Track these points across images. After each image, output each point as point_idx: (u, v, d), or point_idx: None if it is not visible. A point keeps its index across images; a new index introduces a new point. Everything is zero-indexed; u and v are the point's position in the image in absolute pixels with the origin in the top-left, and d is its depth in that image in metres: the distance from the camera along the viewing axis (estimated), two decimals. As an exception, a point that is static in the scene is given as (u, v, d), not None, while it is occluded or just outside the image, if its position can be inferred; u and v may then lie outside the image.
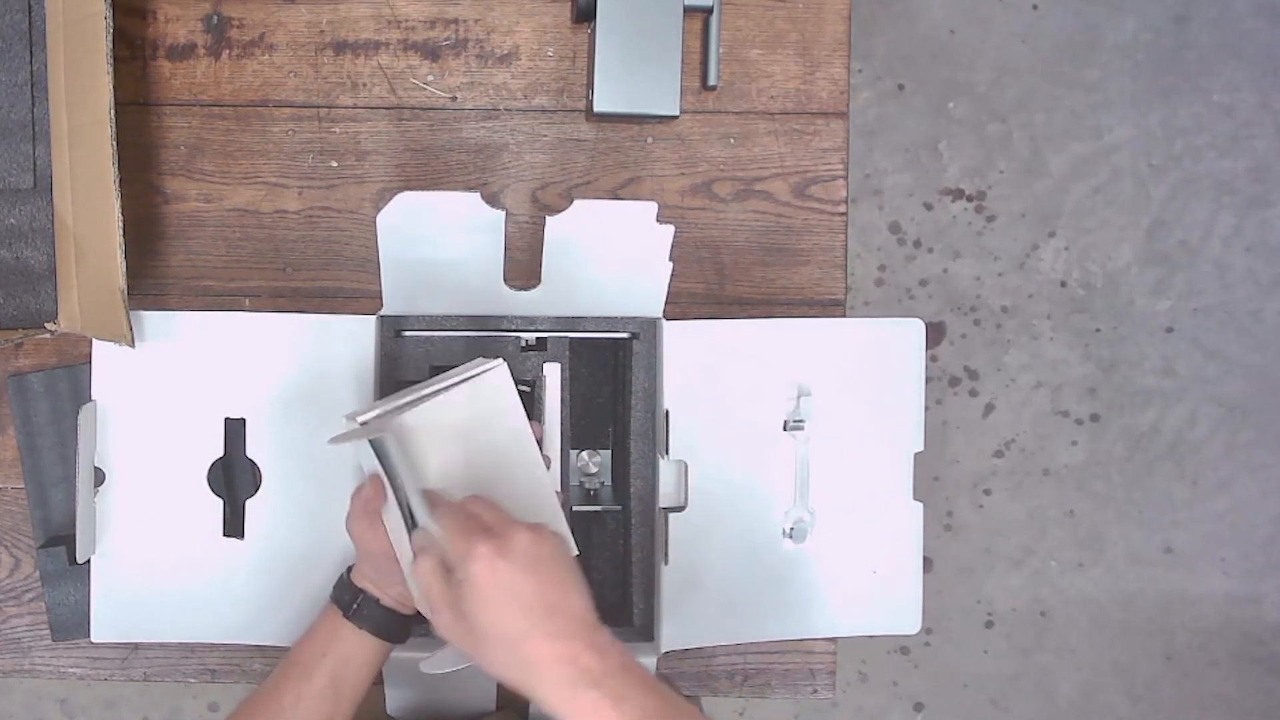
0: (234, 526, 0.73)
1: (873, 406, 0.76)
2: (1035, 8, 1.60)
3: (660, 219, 0.68)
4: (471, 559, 0.50)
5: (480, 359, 0.63)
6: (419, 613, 0.62)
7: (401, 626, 0.63)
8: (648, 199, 0.78)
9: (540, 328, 0.72)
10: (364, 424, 0.60)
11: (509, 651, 0.49)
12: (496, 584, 0.50)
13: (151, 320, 0.72)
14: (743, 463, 0.74)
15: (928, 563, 1.59)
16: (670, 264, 0.70)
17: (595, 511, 0.78)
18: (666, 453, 0.73)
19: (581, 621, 0.50)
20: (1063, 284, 1.61)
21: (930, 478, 1.60)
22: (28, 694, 1.54)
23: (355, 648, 0.62)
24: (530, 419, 0.66)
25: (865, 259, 1.60)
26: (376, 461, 0.59)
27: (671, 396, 0.73)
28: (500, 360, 0.61)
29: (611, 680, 0.48)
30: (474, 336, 0.74)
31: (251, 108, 0.78)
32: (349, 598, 0.63)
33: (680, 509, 0.73)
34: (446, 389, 0.60)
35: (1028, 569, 1.61)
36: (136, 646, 0.78)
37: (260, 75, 0.78)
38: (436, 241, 0.68)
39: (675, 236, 0.69)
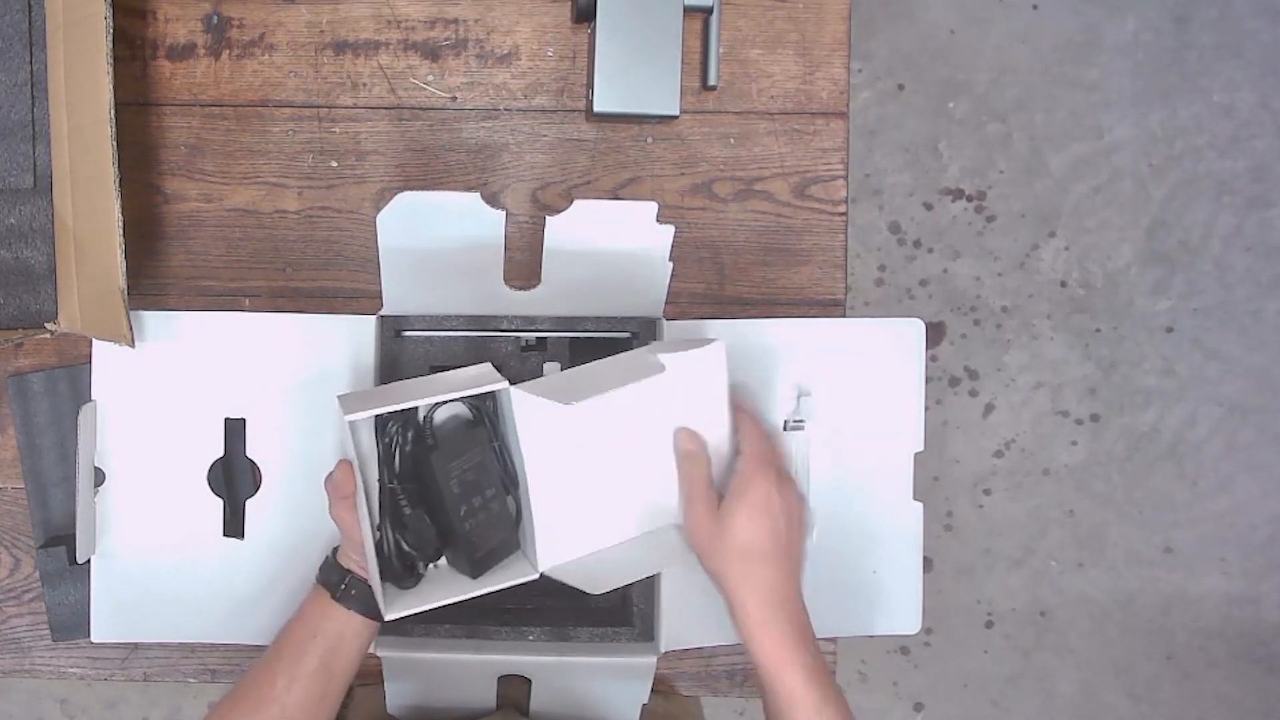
0: (234, 526, 0.73)
1: (873, 406, 0.76)
2: (1035, 8, 1.60)
3: (660, 219, 0.69)
4: (761, 477, 0.60)
5: (488, 367, 0.62)
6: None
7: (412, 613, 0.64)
8: (648, 199, 0.78)
9: (540, 328, 0.72)
10: (348, 411, 0.59)
11: (743, 563, 0.59)
12: (768, 506, 0.59)
13: (151, 320, 0.72)
14: (743, 463, 0.74)
15: (928, 563, 1.59)
16: (670, 264, 0.70)
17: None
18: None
19: (798, 578, 0.61)
20: (1063, 284, 1.61)
21: (930, 478, 1.60)
22: (28, 694, 1.54)
23: (345, 628, 0.63)
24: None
25: (865, 259, 1.60)
26: (351, 446, 0.59)
27: (671, 396, 0.73)
28: (506, 384, 0.60)
29: (805, 631, 0.59)
30: (474, 336, 0.74)
31: (251, 108, 0.78)
32: (336, 578, 0.64)
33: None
34: (437, 398, 0.60)
35: (1028, 569, 1.61)
36: (136, 646, 0.77)
37: (260, 75, 0.78)
38: (436, 241, 0.68)
39: (675, 236, 0.69)
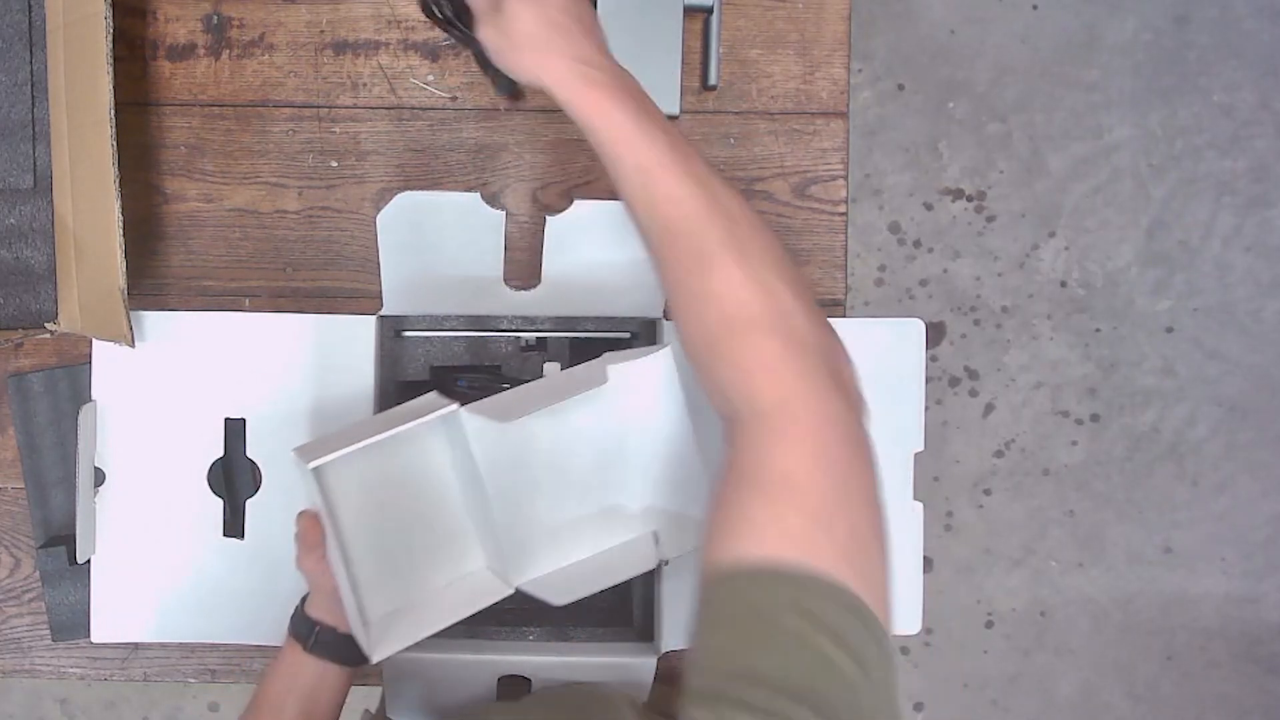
0: (234, 526, 0.73)
1: (873, 406, 0.75)
2: (1035, 8, 1.60)
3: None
4: None
5: (434, 395, 0.62)
6: None
7: (361, 650, 0.64)
8: (648, 199, 0.78)
9: (540, 328, 0.72)
10: (306, 460, 0.58)
11: (534, 56, 0.57)
12: (531, 5, 0.57)
13: (151, 320, 0.72)
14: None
15: (928, 563, 1.59)
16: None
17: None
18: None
19: (593, 39, 0.58)
20: (1063, 284, 1.61)
21: (930, 478, 1.60)
22: (28, 694, 1.54)
23: (320, 678, 0.63)
24: None
25: (865, 259, 1.60)
26: (318, 494, 0.58)
27: (671, 396, 0.73)
28: (455, 405, 0.60)
29: (613, 82, 0.55)
30: (474, 336, 0.74)
31: (251, 108, 0.78)
32: (306, 630, 0.63)
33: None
34: (396, 428, 0.59)
35: (1028, 569, 1.61)
36: (136, 646, 0.77)
37: (260, 75, 0.78)
38: (436, 241, 0.68)
39: (675, 236, 0.69)
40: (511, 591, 0.62)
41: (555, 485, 0.62)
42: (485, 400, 0.61)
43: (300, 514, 0.62)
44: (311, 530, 0.60)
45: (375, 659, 0.59)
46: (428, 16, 0.62)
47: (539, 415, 0.59)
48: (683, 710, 0.41)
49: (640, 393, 0.62)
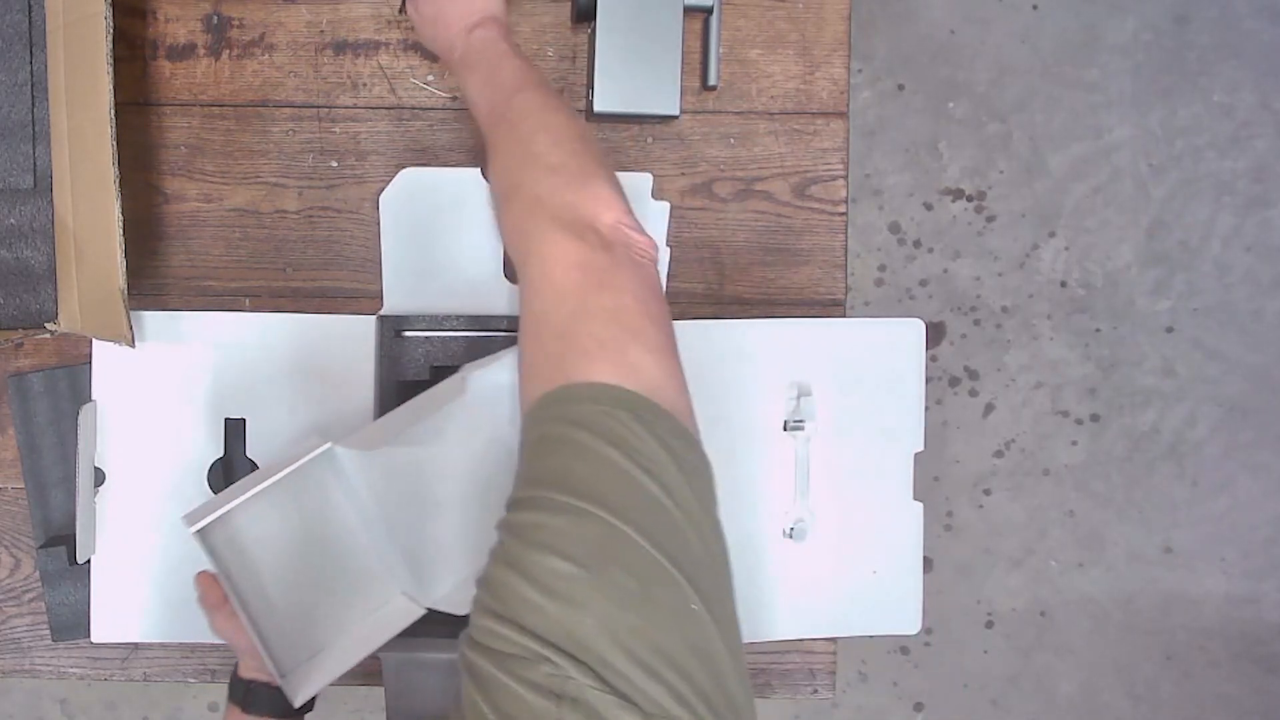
0: (234, 526, 0.73)
1: (873, 406, 0.76)
2: (1035, 8, 1.60)
3: (655, 196, 0.68)
4: None
5: (314, 436, 0.62)
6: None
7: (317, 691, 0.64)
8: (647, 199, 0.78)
9: (540, 328, 0.72)
10: (192, 523, 0.58)
11: (432, 29, 0.67)
12: None
13: (151, 320, 0.72)
14: (743, 463, 0.74)
15: (928, 563, 1.59)
16: (668, 248, 0.70)
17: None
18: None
19: (461, 9, 0.66)
20: (1063, 284, 1.61)
21: (930, 478, 1.60)
22: (28, 694, 1.54)
23: None
24: None
25: (865, 259, 1.60)
26: (207, 557, 0.58)
27: (671, 396, 0.73)
28: (329, 444, 0.59)
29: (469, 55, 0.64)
30: (474, 336, 0.74)
31: (251, 108, 0.78)
32: (241, 693, 0.64)
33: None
34: (271, 479, 0.59)
35: (1028, 569, 1.61)
36: (136, 646, 0.77)
37: (260, 75, 0.78)
38: (438, 220, 0.68)
39: (675, 236, 0.69)
40: (424, 612, 0.62)
41: (447, 501, 0.62)
42: (356, 433, 0.61)
43: (197, 576, 0.62)
44: (211, 590, 0.61)
45: (298, 704, 0.59)
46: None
47: (408, 438, 0.59)
48: (500, 522, 0.45)
49: (506, 392, 0.62)
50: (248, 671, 0.64)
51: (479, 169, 0.67)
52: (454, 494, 0.62)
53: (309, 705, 0.65)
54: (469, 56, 0.64)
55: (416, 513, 0.61)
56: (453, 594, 0.62)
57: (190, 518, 0.57)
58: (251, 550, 0.61)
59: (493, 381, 0.62)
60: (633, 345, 0.49)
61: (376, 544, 0.63)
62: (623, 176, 0.69)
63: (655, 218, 0.69)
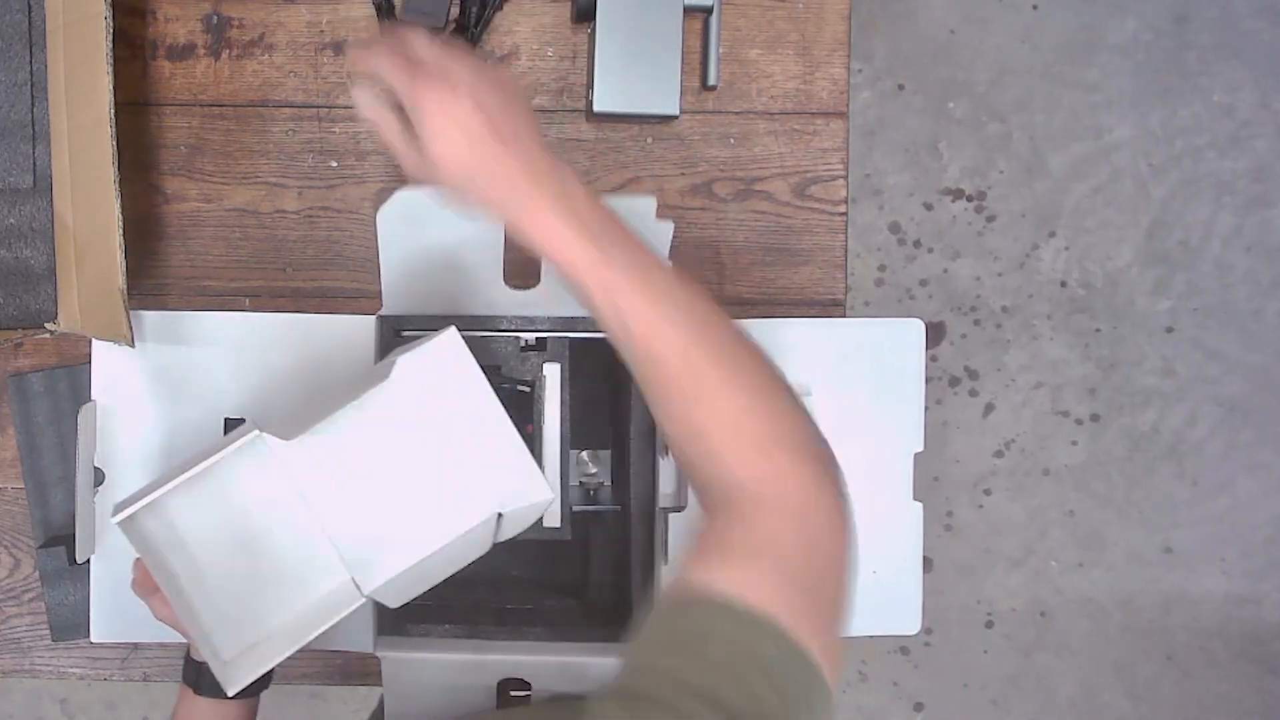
0: (234, 526, 0.73)
1: (873, 406, 0.76)
2: (1035, 8, 1.60)
3: (660, 218, 0.69)
4: (421, 100, 0.50)
5: (242, 425, 0.61)
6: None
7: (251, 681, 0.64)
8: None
9: (540, 328, 0.72)
10: (115, 514, 0.57)
11: (469, 183, 0.51)
12: (448, 119, 0.49)
13: (151, 320, 0.72)
14: (743, 463, 0.74)
15: (928, 563, 1.59)
16: (670, 261, 0.70)
17: (595, 511, 0.78)
18: (666, 453, 0.73)
19: (529, 145, 0.51)
20: (1063, 284, 1.61)
21: (930, 478, 1.60)
22: (28, 694, 1.54)
23: (219, 715, 0.64)
24: (529, 419, 0.65)
25: (865, 259, 1.60)
26: (135, 545, 0.58)
27: (671, 396, 0.73)
28: (256, 431, 0.58)
29: (557, 202, 0.50)
30: (474, 336, 0.74)
31: (251, 108, 0.78)
32: (193, 674, 0.65)
33: (680, 509, 0.73)
34: (197, 469, 0.58)
35: (1028, 569, 1.61)
36: (136, 646, 0.78)
37: (260, 75, 0.78)
38: (436, 239, 0.68)
39: (675, 236, 0.69)
40: (364, 600, 0.61)
41: (378, 488, 0.61)
42: (284, 419, 0.61)
43: (135, 562, 0.62)
44: (145, 578, 0.61)
45: (231, 693, 0.58)
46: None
47: (332, 423, 0.59)
48: (596, 702, 0.42)
49: (437, 377, 0.61)
50: (198, 653, 0.63)
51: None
52: (384, 481, 0.62)
53: (264, 683, 0.65)
54: (562, 195, 0.50)
55: (347, 499, 0.61)
56: (388, 584, 0.61)
57: (117, 507, 0.57)
58: (184, 537, 0.61)
59: (419, 365, 0.61)
60: (837, 628, 0.48)
61: (310, 531, 0.62)
62: (627, 198, 0.69)
63: (659, 238, 0.69)
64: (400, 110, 0.52)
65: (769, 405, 0.51)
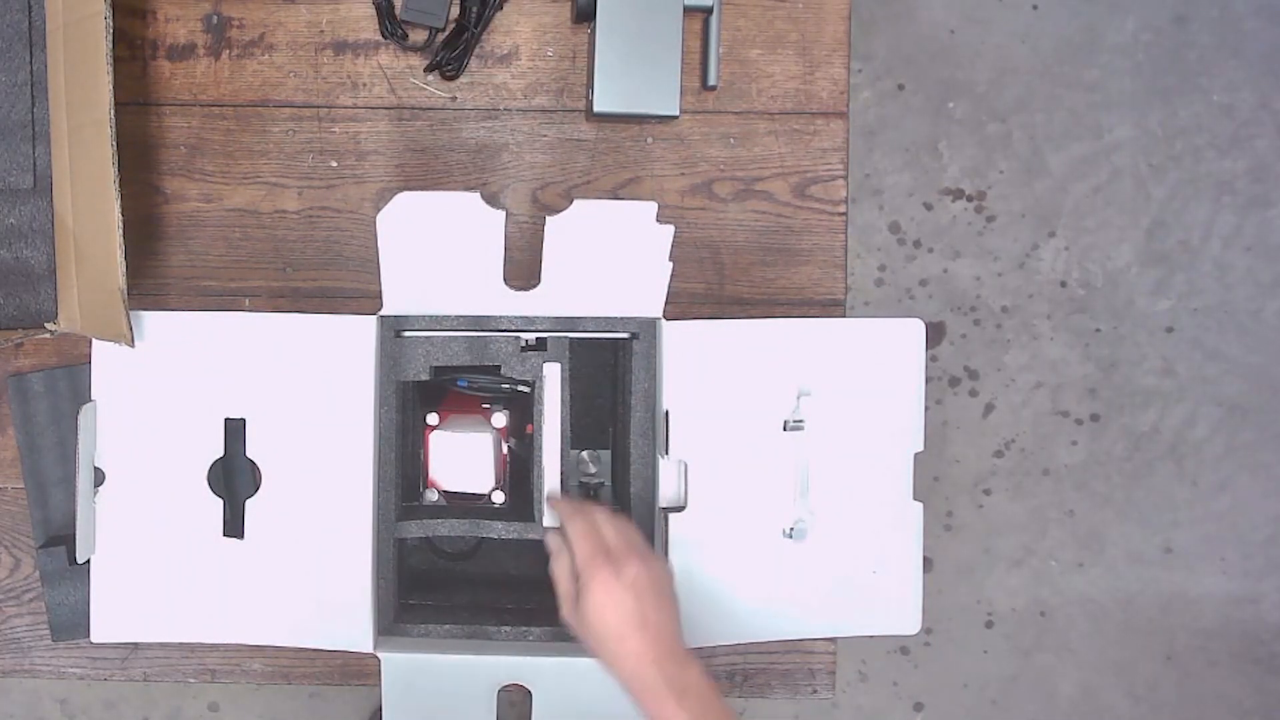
0: (234, 526, 0.73)
1: (873, 406, 0.76)
2: (1035, 8, 1.60)
3: (660, 219, 0.69)
4: (592, 577, 0.61)
5: None
6: None
7: None
8: (648, 199, 0.78)
9: (540, 328, 0.72)
10: None
11: (609, 651, 0.62)
12: (608, 599, 0.61)
13: (151, 320, 0.72)
14: (743, 463, 0.74)
15: (928, 563, 1.59)
16: (670, 264, 0.70)
17: (595, 511, 0.78)
18: (666, 453, 0.73)
19: (669, 639, 0.62)
20: (1063, 284, 1.61)
21: (930, 478, 1.60)
22: (28, 694, 1.54)
23: None
24: (529, 419, 0.65)
25: (865, 259, 1.60)
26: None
27: (671, 396, 0.73)
28: None
29: (687, 691, 0.59)
30: (474, 336, 0.74)
31: (251, 108, 0.78)
32: None
33: (680, 509, 0.73)
34: None
35: (1028, 569, 1.61)
36: (136, 646, 0.78)
37: (260, 75, 0.78)
38: (436, 241, 0.68)
39: (675, 236, 0.69)
40: None
41: None
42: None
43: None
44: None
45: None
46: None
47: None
48: None
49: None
50: None
51: (478, 193, 0.67)
52: None
53: None
54: (687, 689, 0.60)
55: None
56: None
57: None
58: None
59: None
60: None
61: None
62: (626, 206, 0.69)
63: (659, 242, 0.69)
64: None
65: None
